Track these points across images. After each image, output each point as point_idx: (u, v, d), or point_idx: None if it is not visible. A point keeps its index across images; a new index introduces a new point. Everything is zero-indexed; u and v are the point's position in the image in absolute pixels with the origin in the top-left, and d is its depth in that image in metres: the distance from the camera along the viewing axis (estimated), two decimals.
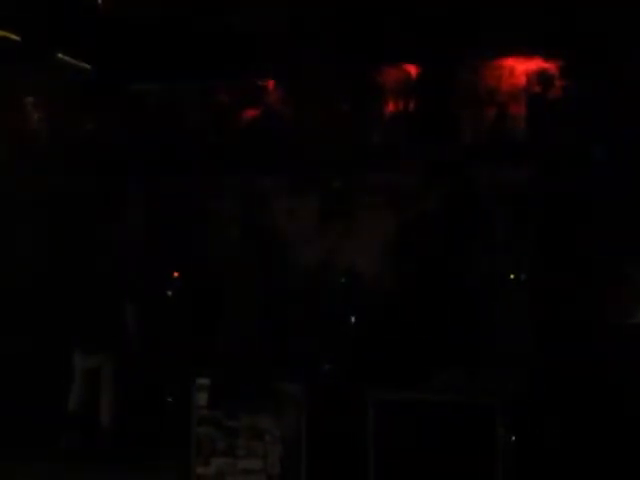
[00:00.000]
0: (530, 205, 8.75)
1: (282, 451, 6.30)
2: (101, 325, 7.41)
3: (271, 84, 9.17)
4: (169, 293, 8.75)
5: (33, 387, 7.81)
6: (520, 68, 8.83)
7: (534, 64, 8.77)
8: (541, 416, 6.62)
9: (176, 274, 8.85)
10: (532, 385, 6.86)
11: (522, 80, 8.83)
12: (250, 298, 6.92)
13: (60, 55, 8.26)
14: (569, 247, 8.27)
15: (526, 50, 8.60)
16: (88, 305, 7.46)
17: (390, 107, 9.06)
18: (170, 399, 7.82)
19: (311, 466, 6.20)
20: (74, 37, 7.97)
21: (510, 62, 8.82)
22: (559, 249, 8.33)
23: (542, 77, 8.74)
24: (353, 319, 7.44)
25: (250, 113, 9.41)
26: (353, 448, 6.04)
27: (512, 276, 8.21)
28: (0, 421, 7.50)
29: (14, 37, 7.60)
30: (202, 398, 6.55)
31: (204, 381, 6.56)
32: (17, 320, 8.07)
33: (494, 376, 6.60)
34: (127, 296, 7.61)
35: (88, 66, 8.53)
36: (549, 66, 8.68)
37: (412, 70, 8.85)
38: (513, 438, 6.30)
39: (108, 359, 7.45)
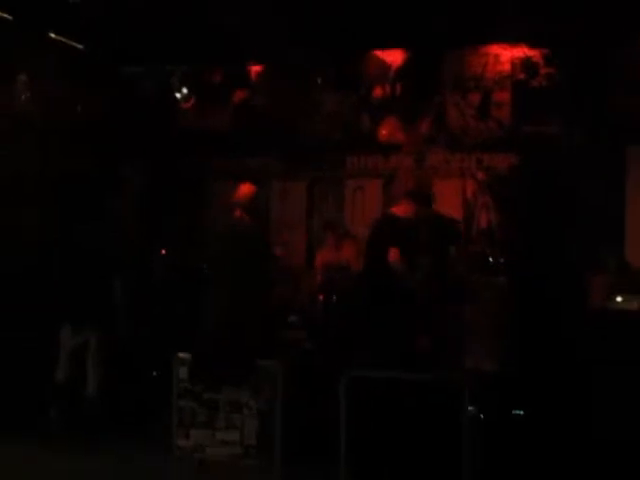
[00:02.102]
0: (511, 192, 8.95)
1: (258, 424, 6.53)
2: (88, 301, 7.56)
3: (258, 67, 9.32)
4: (156, 270, 8.95)
5: (20, 363, 7.95)
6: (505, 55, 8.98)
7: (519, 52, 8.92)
8: (511, 395, 6.80)
9: (163, 252, 9.04)
10: (503, 364, 7.05)
11: (507, 67, 8.98)
12: (234, 277, 7.03)
13: (52, 35, 8.37)
14: (548, 233, 8.46)
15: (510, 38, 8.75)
16: (76, 281, 7.61)
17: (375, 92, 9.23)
18: (155, 373, 8.00)
19: (285, 438, 6.42)
20: (66, 17, 8.08)
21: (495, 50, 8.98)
22: (539, 235, 8.52)
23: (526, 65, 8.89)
24: (330, 298, 7.63)
25: (241, 96, 9.56)
26: (326, 422, 6.23)
27: (490, 259, 8.43)
28: None
29: (6, 17, 7.71)
30: (183, 372, 6.77)
31: (185, 355, 6.77)
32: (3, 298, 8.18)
33: (465, 355, 6.82)
34: (114, 272, 7.76)
35: (80, 46, 8.64)
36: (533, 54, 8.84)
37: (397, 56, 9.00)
38: (482, 416, 6.51)
39: (94, 334, 7.61)
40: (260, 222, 7.08)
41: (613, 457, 6.26)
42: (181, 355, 6.77)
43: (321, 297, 7.85)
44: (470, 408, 5.95)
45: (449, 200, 8.97)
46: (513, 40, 8.79)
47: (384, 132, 9.22)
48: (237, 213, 7.02)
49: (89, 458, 6.78)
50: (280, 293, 8.17)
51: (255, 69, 9.49)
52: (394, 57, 9.05)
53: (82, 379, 7.54)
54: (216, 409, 6.66)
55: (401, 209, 6.62)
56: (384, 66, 9.02)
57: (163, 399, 6.93)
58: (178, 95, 8.89)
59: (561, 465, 6.32)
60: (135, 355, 8.08)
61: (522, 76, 8.88)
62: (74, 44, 8.62)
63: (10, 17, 7.73)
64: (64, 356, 7.66)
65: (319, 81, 9.15)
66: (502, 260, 8.46)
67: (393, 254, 6.39)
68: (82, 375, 7.55)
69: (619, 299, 7.16)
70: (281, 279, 8.34)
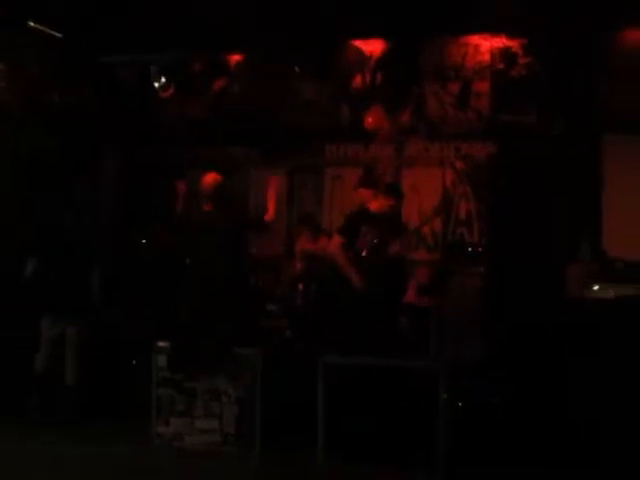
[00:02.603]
0: (490, 181, 9.00)
1: (237, 411, 6.55)
2: (65, 292, 7.55)
3: (236, 56, 9.29)
4: (135, 258, 8.95)
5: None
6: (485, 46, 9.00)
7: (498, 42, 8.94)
8: (488, 383, 6.86)
9: (143, 240, 9.04)
10: (481, 352, 7.10)
11: (486, 57, 9.01)
12: (213, 266, 7.01)
13: (31, 23, 8.31)
14: (526, 222, 8.51)
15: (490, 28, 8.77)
16: (53, 272, 7.58)
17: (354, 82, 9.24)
18: (134, 362, 8.00)
19: (265, 426, 6.45)
20: (45, 5, 8.03)
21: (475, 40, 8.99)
22: (516, 224, 8.57)
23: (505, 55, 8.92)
24: (310, 287, 7.66)
25: (220, 84, 9.52)
26: (304, 409, 6.28)
27: (470, 248, 8.48)
28: None
29: None
30: (162, 360, 6.78)
31: (164, 344, 6.78)
32: None
33: (439, 343, 6.86)
34: (94, 261, 7.76)
35: (59, 34, 8.58)
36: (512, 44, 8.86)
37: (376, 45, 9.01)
38: (460, 404, 6.56)
39: (72, 325, 7.60)
40: (228, 212, 6.94)
41: (588, 445, 6.33)
42: (160, 344, 6.79)
43: (301, 286, 7.88)
44: (445, 395, 6.02)
45: (428, 189, 9.10)
46: (493, 30, 8.80)
47: (370, 120, 9.22)
48: (204, 204, 6.92)
49: (68, 447, 6.79)
50: (260, 282, 8.21)
51: (234, 58, 9.46)
52: (373, 47, 9.05)
53: (62, 369, 7.55)
54: (194, 397, 6.69)
55: (375, 204, 6.72)
56: (363, 56, 9.03)
57: (142, 388, 6.95)
58: (157, 84, 8.85)
59: (537, 454, 6.39)
60: (114, 344, 8.07)
61: (501, 66, 8.90)
62: (53, 32, 8.55)
63: None
64: (44, 347, 7.67)
65: (297, 70, 9.14)
66: (480, 249, 8.52)
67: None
68: (62, 365, 7.57)
69: (596, 288, 7.23)
70: (260, 268, 8.40)
